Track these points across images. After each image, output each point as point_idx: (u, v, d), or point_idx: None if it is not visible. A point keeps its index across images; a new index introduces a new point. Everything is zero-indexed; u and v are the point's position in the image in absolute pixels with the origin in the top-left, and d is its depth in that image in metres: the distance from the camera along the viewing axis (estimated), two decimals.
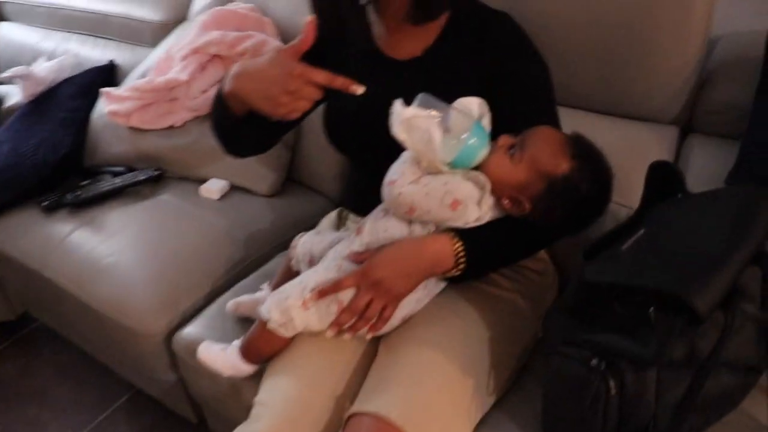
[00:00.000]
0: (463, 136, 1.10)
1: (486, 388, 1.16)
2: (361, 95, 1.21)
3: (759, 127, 1.25)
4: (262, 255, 1.69)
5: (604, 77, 1.44)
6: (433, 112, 1.09)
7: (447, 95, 1.12)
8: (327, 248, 1.29)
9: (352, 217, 1.46)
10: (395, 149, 1.10)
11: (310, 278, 1.19)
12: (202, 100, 1.86)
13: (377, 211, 1.23)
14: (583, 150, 1.11)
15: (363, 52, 1.31)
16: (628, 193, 1.31)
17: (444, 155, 1.10)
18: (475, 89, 1.20)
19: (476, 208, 1.13)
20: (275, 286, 1.41)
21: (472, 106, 1.15)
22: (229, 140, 1.30)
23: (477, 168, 1.14)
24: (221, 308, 1.48)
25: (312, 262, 1.32)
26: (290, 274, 1.37)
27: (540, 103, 1.23)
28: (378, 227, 1.20)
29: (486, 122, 1.16)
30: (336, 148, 1.39)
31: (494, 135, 1.16)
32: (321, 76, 1.07)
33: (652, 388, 0.95)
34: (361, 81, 1.29)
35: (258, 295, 1.44)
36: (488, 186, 1.12)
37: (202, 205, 1.79)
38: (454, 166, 1.13)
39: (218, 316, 1.47)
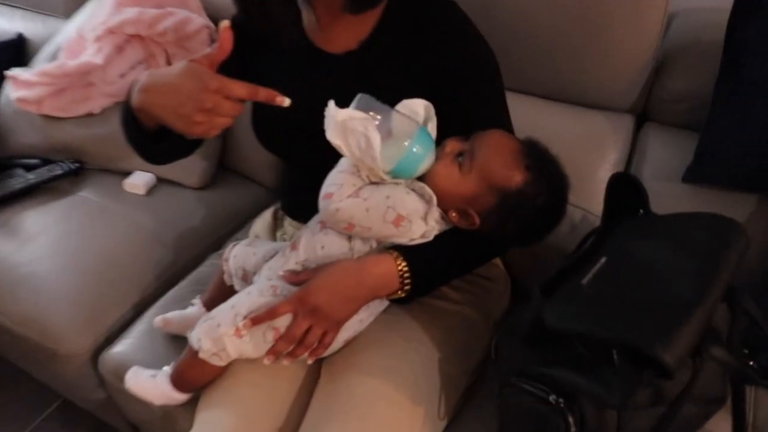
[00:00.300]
0: (405, 143, 0.99)
1: (437, 413, 1.08)
2: (294, 93, 1.10)
3: (719, 119, 1.17)
4: (195, 256, 1.57)
5: (556, 61, 1.35)
6: (373, 114, 0.98)
7: (386, 92, 1.01)
8: (261, 262, 1.19)
9: (288, 220, 1.34)
10: (331, 152, 0.99)
11: (243, 303, 1.09)
12: (121, 84, 1.69)
13: (313, 224, 1.12)
14: (537, 159, 1.02)
15: (293, 47, 1.18)
16: (582, 190, 1.23)
17: (385, 163, 1.00)
18: (416, 85, 1.09)
19: (422, 224, 1.03)
20: (207, 302, 1.30)
21: (417, 108, 1.05)
22: (145, 153, 1.16)
23: (422, 178, 1.04)
24: (150, 323, 1.36)
25: (246, 277, 1.21)
26: (223, 288, 1.26)
27: (490, 103, 1.12)
28: (315, 243, 1.09)
29: (432, 127, 1.05)
30: (267, 148, 1.26)
31: (441, 138, 1.05)
32: (241, 89, 0.94)
33: (614, 422, 0.89)
34: (292, 78, 1.17)
35: (189, 311, 1.32)
36: (434, 199, 1.02)
37: (127, 201, 1.65)
38: (396, 175, 1.03)
39: (147, 333, 1.35)
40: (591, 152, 1.34)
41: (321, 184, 1.04)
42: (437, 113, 1.05)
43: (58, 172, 1.70)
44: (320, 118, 0.98)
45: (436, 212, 1.04)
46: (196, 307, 1.32)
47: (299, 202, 1.31)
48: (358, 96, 0.98)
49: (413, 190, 1.05)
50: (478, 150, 1.02)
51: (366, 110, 0.98)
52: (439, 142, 1.05)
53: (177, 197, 1.69)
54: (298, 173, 1.30)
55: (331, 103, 0.96)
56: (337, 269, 1.04)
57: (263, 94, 0.96)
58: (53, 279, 1.44)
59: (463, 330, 1.18)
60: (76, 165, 1.73)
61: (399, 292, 1.04)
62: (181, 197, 1.69)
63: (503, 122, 1.14)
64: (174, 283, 1.48)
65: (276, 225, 1.39)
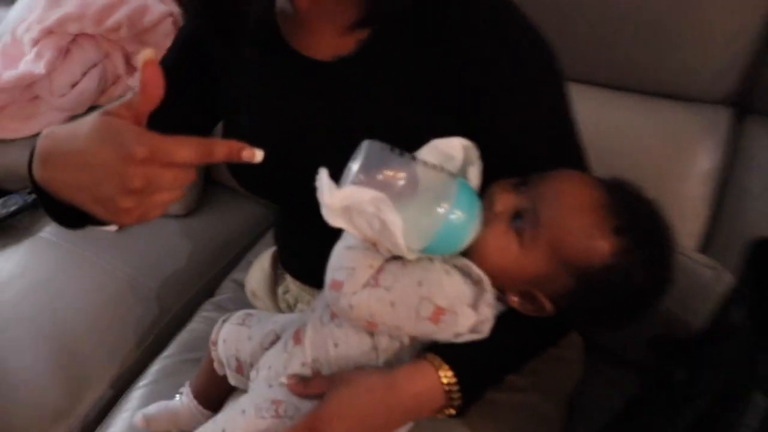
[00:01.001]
0: (440, 209, 0.70)
1: None
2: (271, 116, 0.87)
3: None
4: (184, 308, 1.30)
5: (627, 41, 1.07)
6: (388, 173, 0.68)
7: (397, 121, 0.79)
8: (258, 349, 0.91)
9: (289, 279, 1.06)
10: None
11: (237, 427, 0.81)
12: (73, 96, 1.38)
13: (321, 308, 0.83)
14: (631, 215, 0.72)
15: (265, 50, 0.86)
16: (668, 204, 0.92)
17: (413, 242, 0.71)
18: (441, 107, 0.79)
19: (470, 314, 0.74)
20: (197, 393, 1.03)
21: (452, 150, 0.75)
22: (70, 225, 0.87)
23: (466, 251, 0.75)
24: (134, 411, 1.10)
25: (240, 368, 0.93)
26: (214, 378, 0.99)
27: (554, 126, 0.81)
28: (325, 338, 0.81)
29: (474, 175, 0.75)
30: (244, 188, 0.96)
31: (484, 182, 0.75)
32: (186, 151, 0.61)
33: None
34: (267, 97, 0.87)
35: (176, 405, 1.05)
36: (486, 282, 0.73)
37: (97, 241, 1.36)
38: (429, 252, 0.73)
39: (130, 426, 1.08)
40: (675, 158, 1.05)
41: (322, 235, 0.75)
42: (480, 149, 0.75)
43: (13, 208, 1.41)
44: (307, 148, 0.81)
45: (489, 296, 0.74)
46: (183, 397, 1.05)
47: (298, 257, 1.02)
48: (363, 146, 0.68)
49: (455, 266, 0.75)
50: (542, 208, 0.72)
51: (376, 166, 0.68)
52: (482, 187, 0.75)
53: (156, 230, 1.39)
54: (291, 219, 1.00)
55: (323, 174, 0.66)
56: (360, 388, 0.75)
57: (222, 150, 0.63)
58: (13, 357, 1.17)
59: (530, 426, 0.90)
60: (33, 196, 1.43)
61: (445, 410, 0.76)
62: (161, 230, 1.39)
63: (573, 154, 0.83)
64: (161, 347, 1.21)
65: (276, 277, 1.11)
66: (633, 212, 0.72)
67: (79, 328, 1.21)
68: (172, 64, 0.91)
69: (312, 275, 0.95)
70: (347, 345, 0.79)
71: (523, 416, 0.90)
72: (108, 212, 0.63)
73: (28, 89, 1.38)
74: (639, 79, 1.09)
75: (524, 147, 0.80)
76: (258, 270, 1.13)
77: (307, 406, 0.79)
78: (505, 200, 0.74)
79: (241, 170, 0.92)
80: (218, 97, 0.93)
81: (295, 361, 0.83)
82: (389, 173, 0.68)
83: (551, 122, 0.82)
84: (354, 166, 0.68)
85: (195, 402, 1.02)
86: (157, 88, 0.62)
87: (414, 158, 0.71)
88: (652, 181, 0.78)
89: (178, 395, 1.06)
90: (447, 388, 0.74)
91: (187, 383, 1.06)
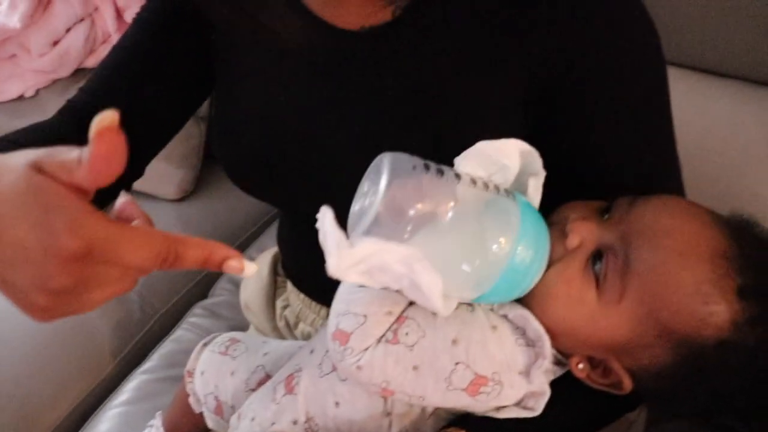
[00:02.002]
0: (496, 247, 0.50)
1: None
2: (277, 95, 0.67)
3: None
4: (170, 311, 1.12)
5: (730, 18, 0.84)
6: (424, 205, 0.48)
7: (439, 117, 0.60)
8: (242, 391, 0.74)
9: (290, 288, 0.86)
10: (348, 197, 0.52)
11: None
12: (55, 56, 1.19)
13: (322, 352, 0.64)
14: (762, 271, 0.50)
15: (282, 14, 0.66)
16: None
17: (457, 294, 0.53)
18: (501, 98, 0.59)
19: (521, 384, 0.55)
20: (169, 426, 0.86)
21: (506, 157, 0.54)
22: None
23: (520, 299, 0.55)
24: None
25: (220, 410, 0.75)
26: (189, 413, 0.82)
27: (656, 137, 0.61)
28: (324, 393, 0.63)
29: (535, 192, 0.55)
30: (241, 187, 0.76)
31: (548, 202, 0.56)
32: (143, 254, 0.41)
33: None
34: (279, 76, 0.67)
35: None
36: (546, 341, 0.53)
37: None
38: (477, 301, 0.55)
39: None
40: None
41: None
42: (542, 156, 0.55)
43: None
44: (320, 139, 0.64)
45: (548, 362, 0.54)
46: (154, 431, 0.87)
47: (303, 264, 0.82)
48: (384, 161, 0.48)
49: (505, 317, 0.55)
50: (636, 249, 0.52)
51: (405, 193, 0.47)
52: (545, 209, 0.55)
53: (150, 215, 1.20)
54: (299, 226, 0.80)
55: (327, 218, 0.46)
56: None
57: (194, 256, 0.43)
58: None
59: None
60: None
61: None
62: (153, 215, 1.19)
63: (674, 176, 0.63)
64: (140, 359, 1.04)
65: (276, 285, 0.91)
66: (762, 266, 0.51)
67: (43, 335, 1.02)
68: (155, 18, 0.71)
69: (318, 289, 0.78)
70: (352, 405, 0.61)
71: None
72: (17, 301, 0.43)
73: (1, 46, 1.19)
74: (743, 63, 0.87)
75: (616, 163, 0.60)
76: (254, 277, 0.93)
77: None
78: (584, 231, 0.54)
79: (231, 163, 0.72)
80: (212, 70, 0.73)
81: (285, 417, 0.64)
82: (425, 204, 0.47)
83: (656, 132, 0.60)
84: (371, 192, 0.47)
85: None
86: (112, 165, 0.40)
87: (458, 175, 0.50)
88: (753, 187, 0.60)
89: (147, 428, 0.88)
90: None
91: (158, 414, 0.88)
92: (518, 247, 0.49)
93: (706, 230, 0.52)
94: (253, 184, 0.74)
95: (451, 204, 0.47)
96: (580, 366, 0.55)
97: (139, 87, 0.71)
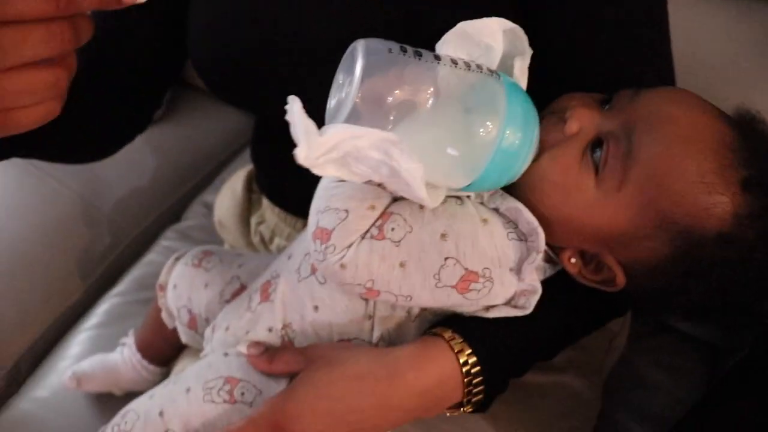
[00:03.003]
0: (483, 131, 0.48)
1: None
2: None
3: None
4: (142, 234, 1.08)
5: None
6: (403, 90, 0.45)
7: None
8: (216, 302, 0.72)
9: (266, 204, 0.83)
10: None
11: (178, 410, 0.61)
12: None
13: (300, 256, 0.62)
14: (764, 162, 0.49)
15: None
16: None
17: (443, 183, 0.51)
18: None
19: (512, 281, 0.54)
20: (141, 345, 0.85)
21: (487, 38, 0.51)
22: None
23: (511, 187, 0.53)
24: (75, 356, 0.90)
25: (194, 323, 0.74)
26: (162, 330, 0.80)
27: (649, 26, 0.58)
28: (302, 297, 0.61)
29: (521, 72, 0.52)
30: (212, 91, 0.72)
31: (541, 96, 0.53)
32: None
33: None
34: None
35: (114, 360, 0.85)
36: (540, 235, 0.52)
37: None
38: (465, 190, 0.52)
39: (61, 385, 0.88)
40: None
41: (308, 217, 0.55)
42: (534, 46, 0.52)
43: None
44: (297, 28, 0.60)
45: (540, 257, 0.52)
46: (127, 349, 0.84)
47: (278, 176, 0.80)
48: (358, 48, 0.45)
49: (496, 211, 0.53)
50: (639, 135, 0.50)
51: (383, 79, 0.45)
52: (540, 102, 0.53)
53: None
54: (271, 128, 0.77)
55: (295, 108, 0.43)
56: (346, 373, 0.55)
57: None
58: None
59: (566, 414, 0.70)
60: None
61: (462, 409, 0.55)
62: None
63: (668, 69, 0.60)
64: (111, 283, 1.01)
65: (251, 203, 0.88)
66: (766, 160, 0.49)
67: (9, 258, 0.98)
68: None
69: (294, 200, 0.76)
70: (332, 309, 0.59)
71: (556, 401, 0.69)
72: None
73: None
74: None
75: (605, 52, 0.57)
76: (228, 193, 0.90)
77: (272, 388, 0.59)
78: (584, 118, 0.52)
79: (203, 62, 0.68)
80: None
81: (260, 325, 0.62)
82: (405, 89, 0.44)
83: (645, 20, 0.58)
84: (347, 83, 0.45)
85: (138, 356, 0.83)
86: None
87: (437, 57, 0.47)
88: (742, 99, 0.55)
89: (120, 346, 0.86)
90: (468, 380, 0.53)
91: (131, 332, 0.86)
92: (506, 130, 0.47)
93: (712, 120, 0.50)
94: (225, 86, 0.69)
95: (431, 88, 0.45)
96: (573, 260, 0.54)
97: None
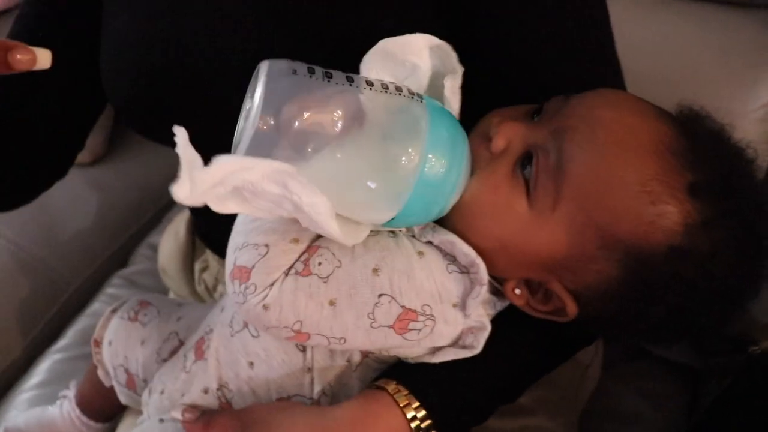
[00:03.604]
0: (404, 159, 0.43)
1: None
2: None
3: None
4: (86, 282, 1.03)
5: None
6: (311, 114, 0.42)
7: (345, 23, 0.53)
8: (151, 362, 0.66)
9: (211, 256, 0.78)
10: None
11: None
12: None
13: (232, 307, 0.56)
14: (714, 166, 0.45)
15: None
16: None
17: (362, 218, 0.47)
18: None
19: (456, 318, 0.49)
20: (81, 401, 0.78)
21: (413, 57, 0.48)
22: None
23: (444, 219, 0.49)
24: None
25: (132, 383, 0.67)
26: (101, 387, 0.73)
27: (585, 31, 0.54)
28: (236, 353, 0.56)
29: (452, 92, 0.49)
30: (132, 127, 0.67)
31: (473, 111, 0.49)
32: None
33: None
34: None
35: (51, 414, 0.78)
36: (481, 266, 0.47)
37: None
38: (390, 225, 0.47)
39: None
40: (730, 85, 0.77)
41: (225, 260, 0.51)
42: (464, 61, 0.48)
43: None
44: (222, 52, 0.56)
45: (484, 290, 0.47)
46: (66, 403, 0.78)
47: (214, 221, 0.73)
48: (261, 69, 0.41)
49: (430, 243, 0.48)
50: (569, 146, 0.46)
51: (288, 103, 0.40)
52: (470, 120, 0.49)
53: (59, 183, 1.09)
54: None
55: (181, 137, 0.39)
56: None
57: None
58: None
59: None
60: None
61: None
62: (64, 182, 1.09)
63: (611, 74, 0.55)
64: (54, 337, 0.94)
65: (194, 247, 0.83)
66: (715, 161, 0.45)
67: None
68: None
69: (218, 240, 0.70)
70: (268, 364, 0.54)
71: None
72: None
73: None
74: None
75: (541, 61, 0.52)
76: (170, 237, 0.85)
77: None
78: (510, 132, 0.47)
79: (116, 93, 0.63)
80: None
81: (195, 386, 0.57)
82: (314, 113, 0.39)
83: (583, 24, 0.53)
84: (252, 108, 0.40)
85: (77, 412, 0.77)
86: None
87: (350, 78, 0.42)
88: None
89: (59, 399, 0.80)
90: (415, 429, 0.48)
91: (72, 383, 0.79)
92: (428, 156, 0.42)
93: (649, 121, 0.46)
94: (139, 118, 0.64)
95: (340, 113, 0.40)
96: (517, 291, 0.49)
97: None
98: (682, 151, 0.44)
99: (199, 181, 0.36)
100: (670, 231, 0.43)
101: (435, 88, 0.47)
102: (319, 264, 0.47)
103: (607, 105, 0.47)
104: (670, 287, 0.44)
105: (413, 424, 0.48)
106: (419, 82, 0.46)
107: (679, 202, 0.43)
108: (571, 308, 0.47)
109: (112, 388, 0.70)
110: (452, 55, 0.47)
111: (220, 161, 0.37)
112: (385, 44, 0.46)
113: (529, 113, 0.48)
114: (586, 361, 0.73)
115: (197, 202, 0.37)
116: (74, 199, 1.07)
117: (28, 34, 0.63)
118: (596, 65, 0.55)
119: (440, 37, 0.47)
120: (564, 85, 0.49)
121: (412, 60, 0.46)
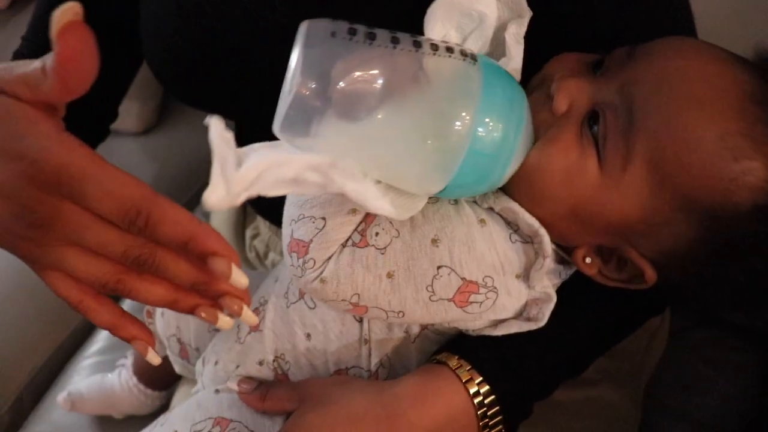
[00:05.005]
0: (456, 125, 0.40)
1: None
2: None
3: None
4: None
5: None
6: (352, 78, 0.39)
7: None
8: (204, 332, 0.66)
9: (259, 217, 0.77)
10: None
11: None
12: None
13: (287, 278, 0.55)
14: None
15: None
16: None
17: (415, 188, 0.44)
18: None
19: (520, 290, 0.46)
20: (138, 369, 0.80)
21: (479, 5, 0.45)
22: None
23: (508, 186, 0.46)
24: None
25: (185, 352, 0.67)
26: None
27: None
28: (292, 325, 0.54)
29: (514, 39, 0.45)
30: (176, 96, 0.65)
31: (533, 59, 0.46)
32: (114, 198, 0.35)
33: None
34: None
35: (110, 382, 0.79)
36: (545, 235, 0.44)
37: None
38: (447, 195, 0.44)
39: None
40: None
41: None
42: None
43: None
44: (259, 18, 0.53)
45: (549, 260, 0.44)
46: (124, 372, 0.79)
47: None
48: (300, 29, 0.39)
49: (492, 211, 0.45)
50: (640, 102, 0.42)
51: (329, 68, 0.38)
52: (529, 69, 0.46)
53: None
54: (252, 137, 0.70)
55: (215, 124, 0.37)
56: (342, 413, 0.48)
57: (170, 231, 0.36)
58: None
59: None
60: None
61: None
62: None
63: (682, 14, 0.50)
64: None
65: (245, 214, 0.82)
66: None
67: (7, 288, 0.93)
68: None
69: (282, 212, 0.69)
70: (325, 336, 0.52)
71: (591, 419, 0.62)
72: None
73: None
74: None
75: (612, 12, 0.49)
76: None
77: (266, 428, 0.53)
78: (574, 90, 0.43)
79: (154, 59, 0.61)
80: None
81: (251, 358, 0.56)
82: (352, 77, 0.37)
83: None
84: (290, 72, 0.38)
85: (135, 380, 0.78)
86: (83, 67, 0.33)
87: (395, 39, 0.39)
88: None
89: (119, 366, 0.81)
90: (482, 412, 0.46)
91: (130, 353, 0.80)
92: (481, 120, 0.40)
93: (726, 70, 0.42)
94: (181, 85, 0.62)
95: (383, 74, 0.37)
96: (588, 260, 0.46)
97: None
98: (765, 100, 0.40)
99: (233, 182, 0.34)
100: (755, 188, 0.40)
101: (498, 41, 0.44)
102: (377, 234, 0.45)
103: (677, 55, 0.43)
104: (755, 248, 0.41)
105: (476, 400, 0.46)
106: (485, 34, 0.43)
107: (765, 157, 0.40)
108: (650, 275, 0.44)
109: (166, 357, 0.71)
110: (522, 2, 0.44)
111: (256, 157, 0.35)
112: None
113: (589, 66, 0.45)
114: (652, 329, 0.70)
115: (233, 203, 0.35)
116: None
117: None
118: (665, 10, 0.50)
119: None
120: (628, 31, 0.45)
121: (480, 9, 0.42)
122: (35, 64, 0.35)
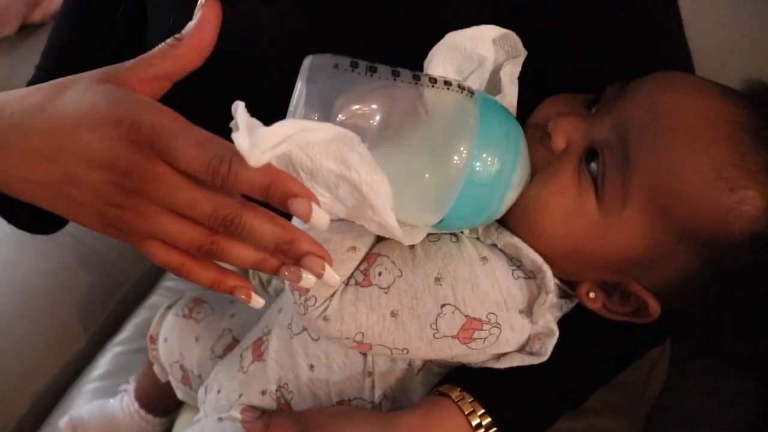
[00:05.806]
0: (454, 157, 0.41)
1: None
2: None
3: None
4: (143, 276, 1.03)
5: None
6: (352, 110, 0.40)
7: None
8: (206, 359, 0.66)
9: None
10: None
11: None
12: None
13: (287, 312, 0.56)
14: None
15: None
16: None
17: (414, 217, 0.45)
18: None
19: (523, 325, 0.47)
20: (140, 396, 0.79)
21: (478, 48, 0.46)
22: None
23: (506, 220, 0.47)
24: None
25: (187, 379, 0.67)
26: (157, 382, 0.75)
27: (654, 18, 0.51)
28: (295, 356, 0.55)
29: (509, 79, 0.46)
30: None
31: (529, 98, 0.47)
32: (200, 150, 0.36)
33: None
34: None
35: (112, 407, 0.80)
36: (547, 270, 0.45)
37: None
38: (446, 227, 0.45)
39: None
40: None
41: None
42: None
43: None
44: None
45: (552, 295, 0.45)
46: (127, 397, 0.79)
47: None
48: (304, 63, 0.40)
49: (494, 247, 0.46)
50: (635, 138, 0.43)
51: (331, 99, 0.39)
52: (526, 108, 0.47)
53: None
54: None
55: (240, 106, 0.36)
56: None
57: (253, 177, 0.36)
58: None
59: None
60: None
61: None
62: None
63: (678, 50, 0.52)
64: (115, 328, 0.96)
65: None
66: None
67: (10, 312, 0.94)
68: None
69: None
70: (328, 367, 0.53)
71: None
72: (79, 215, 0.40)
73: None
74: None
75: (607, 48, 0.50)
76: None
77: None
78: (570, 128, 0.44)
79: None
80: None
81: (254, 387, 0.56)
82: (353, 109, 0.38)
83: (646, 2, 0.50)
84: (294, 105, 0.39)
85: (136, 406, 0.78)
86: (211, 39, 0.41)
87: (396, 73, 0.40)
88: None
89: (120, 393, 0.81)
90: None
91: (132, 378, 0.80)
92: (477, 154, 0.41)
93: (716, 101, 0.43)
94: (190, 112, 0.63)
95: (382, 108, 0.38)
96: (592, 295, 0.47)
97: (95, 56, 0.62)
98: (756, 129, 0.41)
99: (261, 140, 0.34)
100: (752, 217, 0.41)
101: (494, 81, 0.45)
102: (379, 274, 0.45)
103: (667, 89, 0.44)
104: (755, 277, 0.42)
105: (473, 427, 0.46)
106: (483, 76, 0.44)
107: (760, 185, 0.40)
108: (654, 308, 0.45)
109: (168, 383, 0.71)
110: (516, 41, 0.45)
111: (283, 122, 0.35)
112: (453, 37, 0.44)
113: (585, 104, 0.46)
114: (653, 359, 0.70)
115: (258, 160, 0.34)
116: None
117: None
118: (661, 45, 0.51)
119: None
120: (625, 68, 0.46)
121: (480, 53, 0.43)
122: (159, 46, 0.41)
